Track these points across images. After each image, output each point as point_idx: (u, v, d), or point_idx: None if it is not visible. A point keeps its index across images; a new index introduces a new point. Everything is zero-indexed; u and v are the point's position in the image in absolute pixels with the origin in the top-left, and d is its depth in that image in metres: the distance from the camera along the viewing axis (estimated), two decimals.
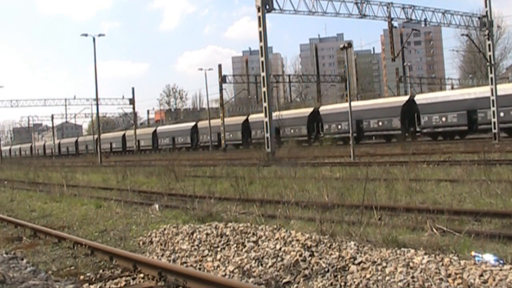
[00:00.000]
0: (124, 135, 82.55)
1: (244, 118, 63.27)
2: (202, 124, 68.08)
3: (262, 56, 29.01)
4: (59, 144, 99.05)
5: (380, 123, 47.27)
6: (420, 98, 46.29)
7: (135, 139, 74.78)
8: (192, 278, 5.55)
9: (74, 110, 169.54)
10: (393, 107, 46.71)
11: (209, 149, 60.46)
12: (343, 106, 52.92)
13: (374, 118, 47.68)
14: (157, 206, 11.83)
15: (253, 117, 60.65)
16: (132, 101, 71.93)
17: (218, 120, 62.82)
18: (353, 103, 54.42)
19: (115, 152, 79.42)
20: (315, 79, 71.98)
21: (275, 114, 59.56)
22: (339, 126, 50.34)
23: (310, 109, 56.69)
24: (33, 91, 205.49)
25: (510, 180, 10.33)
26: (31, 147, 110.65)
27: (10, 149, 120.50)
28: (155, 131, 77.17)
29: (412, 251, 5.73)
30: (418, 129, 45.77)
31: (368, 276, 5.26)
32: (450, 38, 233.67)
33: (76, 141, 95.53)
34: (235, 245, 7.09)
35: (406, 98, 48.53)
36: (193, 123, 71.65)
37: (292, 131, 55.03)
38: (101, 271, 6.62)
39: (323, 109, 54.95)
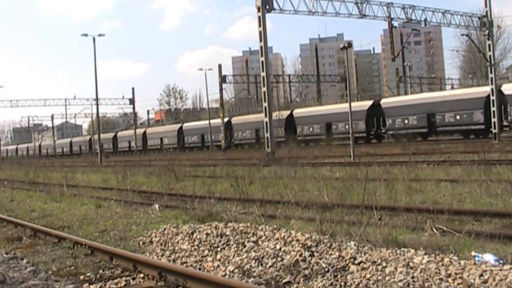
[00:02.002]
0: (144, 132, 76.42)
1: (288, 112, 56.84)
2: (237, 120, 61.35)
3: (262, 56, 29.02)
4: (70, 142, 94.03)
5: (458, 117, 40.87)
6: (510, 88, 39.97)
7: (132, 139, 72.09)
8: (192, 278, 5.55)
9: (74, 110, 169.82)
10: (475, 98, 40.32)
11: (244, 147, 54.74)
12: (410, 98, 48.16)
13: (450, 111, 41.47)
14: (157, 206, 11.83)
15: (300, 112, 55.19)
16: (132, 101, 71.87)
17: (258, 115, 55.50)
18: (424, 95, 49.08)
19: (134, 151, 72.72)
20: (315, 79, 71.94)
21: (326, 108, 53.97)
22: (406, 121, 44.53)
23: (369, 102, 50.54)
24: (33, 91, 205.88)
25: (510, 180, 10.33)
26: (39, 146, 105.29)
27: (16, 148, 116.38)
28: (180, 127, 70.23)
29: (412, 251, 5.73)
30: (505, 123, 39.61)
31: (368, 276, 5.26)
32: (450, 38, 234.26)
33: (90, 139, 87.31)
34: (235, 245, 7.09)
35: (489, 88, 42.43)
36: (225, 119, 62.94)
37: (346, 127, 47.55)
38: (101, 271, 6.62)
39: (386, 101, 48.74)
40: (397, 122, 45.76)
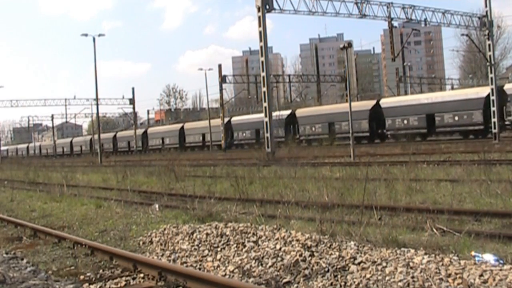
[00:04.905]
0: (182, 128, 69.45)
1: (372, 103, 49.20)
2: (302, 112, 53.49)
3: (262, 56, 29.03)
4: (91, 140, 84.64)
5: None
6: None
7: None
8: (192, 278, 5.55)
9: (74, 110, 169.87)
10: None
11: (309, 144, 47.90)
12: None
13: None
14: (157, 206, 11.83)
15: (388, 101, 48.51)
16: (132, 101, 71.86)
17: (330, 107, 51.48)
18: None
19: (170, 149, 63.48)
20: (315, 79, 71.99)
21: (424, 97, 46.10)
22: None
23: (487, 89, 38.18)
24: (33, 91, 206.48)
25: (510, 180, 10.34)
26: (54, 144, 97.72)
27: (27, 147, 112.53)
28: (229, 121, 61.29)
29: (412, 251, 5.73)
30: None
31: (368, 276, 5.26)
32: (450, 38, 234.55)
33: (114, 136, 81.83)
34: (235, 245, 7.09)
35: None
36: (288, 111, 55.96)
37: (456, 118, 41.17)
38: (101, 271, 6.62)
39: (510, 87, 39.42)
40: None
